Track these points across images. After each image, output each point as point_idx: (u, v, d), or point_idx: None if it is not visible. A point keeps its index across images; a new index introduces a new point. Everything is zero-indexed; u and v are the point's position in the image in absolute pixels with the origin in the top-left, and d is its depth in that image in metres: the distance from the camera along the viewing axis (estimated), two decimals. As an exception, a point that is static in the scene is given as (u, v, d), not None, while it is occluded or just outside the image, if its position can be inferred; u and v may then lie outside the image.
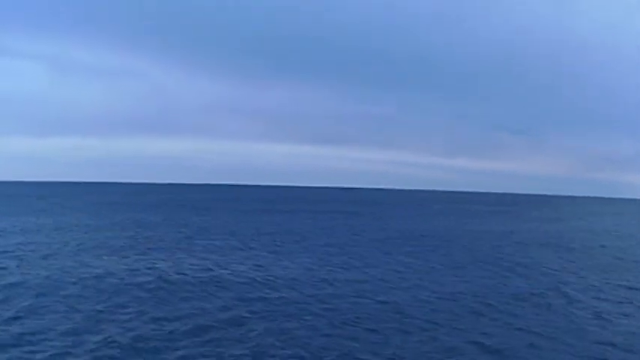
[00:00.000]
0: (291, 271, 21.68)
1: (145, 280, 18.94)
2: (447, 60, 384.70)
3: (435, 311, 15.54)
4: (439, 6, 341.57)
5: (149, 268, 21.33)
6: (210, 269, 21.72)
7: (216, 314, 14.60)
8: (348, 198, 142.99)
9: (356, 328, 13.59)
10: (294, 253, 27.45)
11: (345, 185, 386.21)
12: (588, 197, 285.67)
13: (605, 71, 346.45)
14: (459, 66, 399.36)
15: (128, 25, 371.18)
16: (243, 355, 11.30)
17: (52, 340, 11.91)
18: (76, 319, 13.62)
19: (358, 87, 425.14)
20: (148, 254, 25.36)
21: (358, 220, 55.47)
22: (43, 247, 26.57)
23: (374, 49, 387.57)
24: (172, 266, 22.06)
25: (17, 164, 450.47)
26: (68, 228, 37.52)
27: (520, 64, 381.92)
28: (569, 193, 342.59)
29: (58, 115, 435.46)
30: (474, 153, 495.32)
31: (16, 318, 13.54)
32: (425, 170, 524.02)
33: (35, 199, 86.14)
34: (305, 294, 17.22)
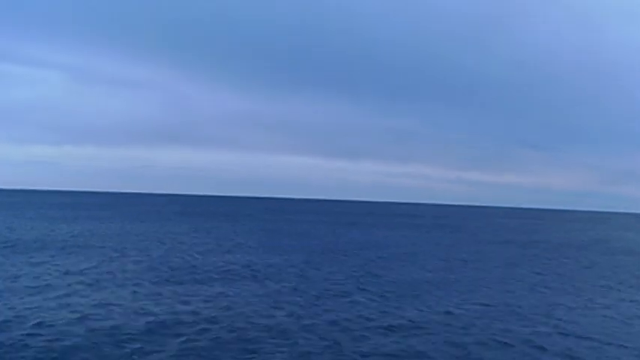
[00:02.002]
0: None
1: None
2: (469, 75, 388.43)
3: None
4: (462, 23, 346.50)
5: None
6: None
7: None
8: (381, 212, 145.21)
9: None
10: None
11: (365, 199, 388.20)
12: (612, 212, 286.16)
13: (624, 87, 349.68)
14: (479, 81, 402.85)
15: (150, 37, 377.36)
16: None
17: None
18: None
19: (379, 100, 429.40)
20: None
21: (449, 235, 58.11)
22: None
23: (395, 63, 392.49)
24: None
25: (37, 172, 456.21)
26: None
27: (540, 81, 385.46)
28: (588, 208, 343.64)
29: (77, 125, 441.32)
30: (493, 167, 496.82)
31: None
32: (444, 184, 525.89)
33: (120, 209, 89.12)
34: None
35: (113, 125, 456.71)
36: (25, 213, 65.87)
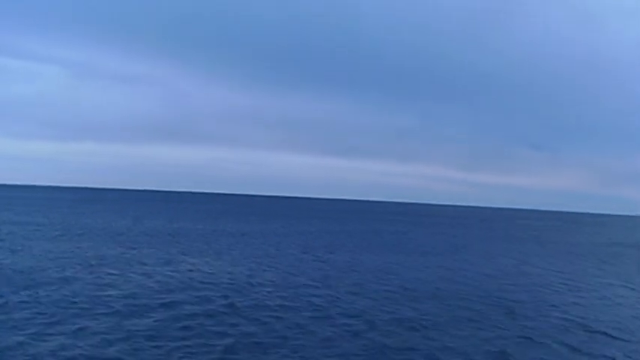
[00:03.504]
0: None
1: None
2: (470, 73, 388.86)
3: None
4: (463, 21, 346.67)
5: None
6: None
7: None
8: (391, 211, 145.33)
9: None
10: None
11: (364, 198, 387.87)
12: (612, 215, 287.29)
13: (627, 84, 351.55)
14: (480, 79, 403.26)
15: (151, 33, 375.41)
16: None
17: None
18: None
19: (379, 98, 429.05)
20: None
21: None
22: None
23: (397, 62, 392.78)
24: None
25: (37, 168, 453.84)
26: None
27: (541, 79, 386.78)
28: (589, 210, 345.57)
29: (77, 121, 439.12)
30: (494, 167, 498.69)
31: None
32: (444, 184, 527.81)
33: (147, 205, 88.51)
34: None
35: (113, 121, 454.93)
36: (61, 208, 65.13)
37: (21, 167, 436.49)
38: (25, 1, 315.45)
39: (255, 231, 42.74)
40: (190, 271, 20.00)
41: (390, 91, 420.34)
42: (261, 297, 15.81)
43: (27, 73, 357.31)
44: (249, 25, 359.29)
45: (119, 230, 37.03)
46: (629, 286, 22.50)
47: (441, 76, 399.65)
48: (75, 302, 13.73)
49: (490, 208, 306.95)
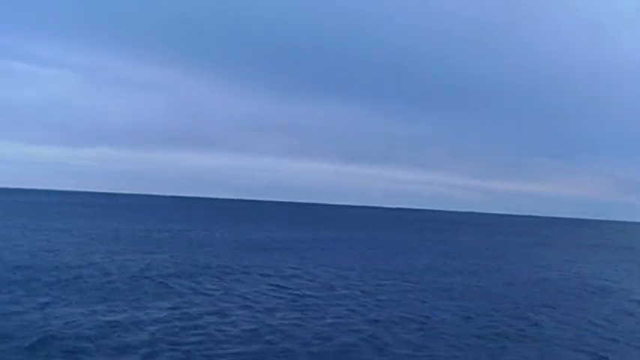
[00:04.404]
0: None
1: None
2: (483, 82, 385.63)
3: None
4: (475, 30, 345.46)
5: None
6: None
7: None
8: (404, 218, 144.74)
9: None
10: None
11: (377, 205, 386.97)
12: (629, 222, 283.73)
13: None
14: (494, 88, 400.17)
15: (164, 40, 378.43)
16: None
17: None
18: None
19: (392, 106, 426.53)
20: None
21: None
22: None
23: (409, 70, 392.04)
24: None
25: (47, 173, 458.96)
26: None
27: (554, 88, 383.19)
28: (607, 217, 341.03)
29: (87, 126, 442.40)
30: (509, 175, 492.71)
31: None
32: (459, 191, 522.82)
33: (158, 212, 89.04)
34: None
35: (123, 127, 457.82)
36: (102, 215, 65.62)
37: (33, 171, 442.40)
38: (35, 6, 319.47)
39: (280, 239, 42.29)
40: (221, 279, 19.79)
41: (403, 98, 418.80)
42: (313, 310, 15.26)
43: (38, 78, 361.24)
44: (259, 31, 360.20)
45: (143, 235, 37.06)
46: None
47: (453, 84, 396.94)
48: (125, 309, 13.55)
49: (505, 215, 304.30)
